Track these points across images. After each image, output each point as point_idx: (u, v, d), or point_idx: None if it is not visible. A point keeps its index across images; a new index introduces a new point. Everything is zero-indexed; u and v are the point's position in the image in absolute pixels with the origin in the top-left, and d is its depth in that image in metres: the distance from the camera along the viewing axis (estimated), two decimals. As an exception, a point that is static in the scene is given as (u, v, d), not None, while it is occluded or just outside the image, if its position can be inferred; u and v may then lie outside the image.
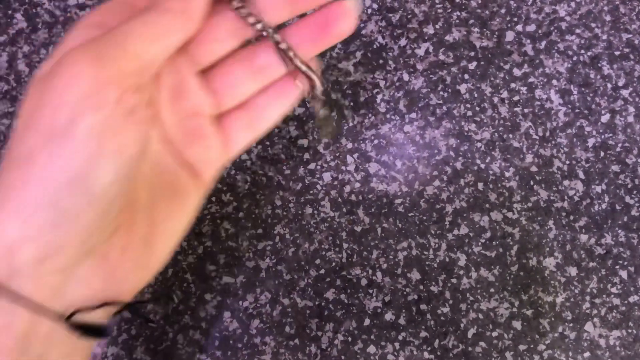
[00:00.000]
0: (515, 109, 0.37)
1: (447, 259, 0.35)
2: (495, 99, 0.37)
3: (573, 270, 0.35)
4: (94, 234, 0.23)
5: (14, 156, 0.21)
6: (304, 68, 0.25)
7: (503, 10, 0.39)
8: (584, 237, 0.35)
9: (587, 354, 0.34)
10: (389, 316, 0.34)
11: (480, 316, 0.34)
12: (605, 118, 0.37)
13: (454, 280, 0.35)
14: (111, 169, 0.21)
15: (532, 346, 0.34)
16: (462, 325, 0.34)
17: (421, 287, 0.35)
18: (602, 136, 0.37)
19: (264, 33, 0.24)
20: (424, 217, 0.36)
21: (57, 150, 0.20)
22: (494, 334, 0.34)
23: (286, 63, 0.25)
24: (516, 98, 0.38)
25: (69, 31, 0.23)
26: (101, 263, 0.24)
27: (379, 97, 0.38)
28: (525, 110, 0.37)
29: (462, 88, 0.38)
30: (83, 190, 0.21)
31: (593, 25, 0.39)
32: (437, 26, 0.39)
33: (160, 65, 0.23)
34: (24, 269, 0.21)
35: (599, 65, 0.38)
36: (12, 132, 0.22)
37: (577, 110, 0.37)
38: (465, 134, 0.37)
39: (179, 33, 0.22)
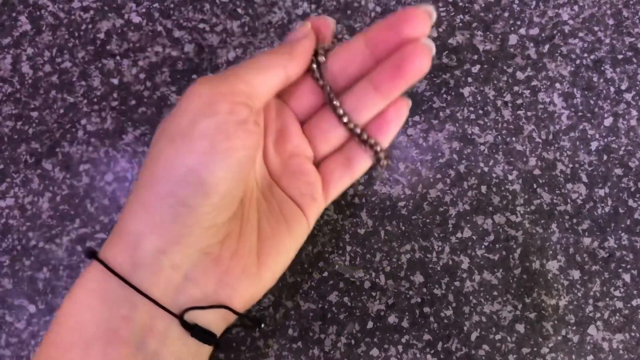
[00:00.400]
0: (519, 112, 0.37)
1: (451, 262, 0.35)
2: (499, 102, 0.38)
3: (576, 274, 0.35)
4: (209, 230, 0.25)
5: (146, 163, 0.25)
6: (376, 146, 0.29)
7: (506, 14, 0.39)
8: (587, 240, 0.35)
9: (590, 357, 0.34)
10: (392, 319, 0.34)
11: (484, 319, 0.34)
12: (608, 121, 0.37)
13: (457, 283, 0.35)
14: (222, 166, 0.24)
15: (535, 349, 0.34)
16: (465, 328, 0.34)
17: (424, 290, 0.35)
18: (605, 139, 0.37)
19: (344, 119, 0.29)
20: (427, 220, 0.36)
21: (178, 148, 0.24)
22: (497, 337, 0.34)
23: (353, 136, 0.29)
24: (519, 101, 0.38)
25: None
26: (214, 264, 0.26)
27: (383, 100, 0.38)
28: (529, 114, 0.37)
29: (466, 91, 0.38)
30: (198, 182, 0.24)
31: (596, 28, 0.39)
32: (441, 29, 0.39)
33: (267, 97, 0.27)
34: (146, 261, 0.24)
35: (602, 68, 0.38)
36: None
37: (580, 114, 0.37)
38: (469, 137, 0.37)
39: (281, 69, 0.26)
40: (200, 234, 0.25)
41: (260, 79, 0.26)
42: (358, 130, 0.29)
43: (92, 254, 0.24)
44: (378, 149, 0.29)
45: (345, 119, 0.29)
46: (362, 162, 0.30)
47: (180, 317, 0.25)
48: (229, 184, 0.24)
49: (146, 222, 0.24)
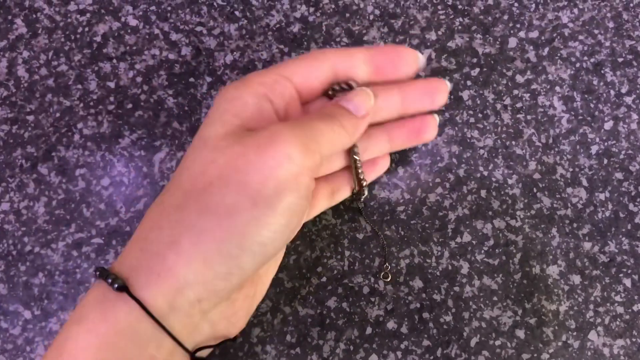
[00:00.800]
0: (518, 115, 0.37)
1: (450, 267, 0.35)
2: (498, 106, 0.37)
3: (576, 279, 0.35)
4: (245, 283, 0.27)
5: (209, 205, 0.24)
6: (363, 182, 0.32)
7: (506, 17, 0.39)
8: (587, 245, 0.35)
9: (591, 363, 0.34)
10: (391, 325, 0.34)
11: (483, 325, 0.34)
12: (608, 125, 0.37)
13: (456, 289, 0.35)
14: (286, 239, 0.25)
15: (535, 355, 0.34)
16: (464, 334, 0.34)
17: (424, 295, 0.35)
18: (606, 143, 0.37)
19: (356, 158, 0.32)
20: (427, 225, 0.36)
21: (259, 217, 0.23)
22: (497, 342, 0.34)
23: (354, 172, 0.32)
24: (519, 105, 0.37)
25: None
26: (229, 308, 0.27)
27: (381, 103, 0.37)
28: (528, 117, 0.37)
29: (465, 95, 0.38)
30: (263, 253, 0.24)
31: (596, 31, 0.39)
32: (440, 32, 0.39)
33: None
34: (183, 307, 0.24)
35: (602, 72, 0.38)
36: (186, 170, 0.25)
37: (580, 117, 0.37)
38: (468, 140, 0.37)
39: (345, 144, 0.27)
40: (237, 287, 0.26)
41: (331, 151, 0.27)
42: (361, 170, 0.32)
43: (124, 289, 0.23)
44: (365, 184, 0.33)
45: (359, 164, 0.32)
46: (344, 194, 0.33)
47: (193, 354, 0.26)
48: (281, 250, 0.26)
49: (201, 275, 0.23)
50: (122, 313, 0.23)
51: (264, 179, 0.23)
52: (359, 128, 0.28)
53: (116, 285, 0.23)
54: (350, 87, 0.29)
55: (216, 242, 0.23)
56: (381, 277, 0.35)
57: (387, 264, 0.35)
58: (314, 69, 0.29)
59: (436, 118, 0.33)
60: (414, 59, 0.30)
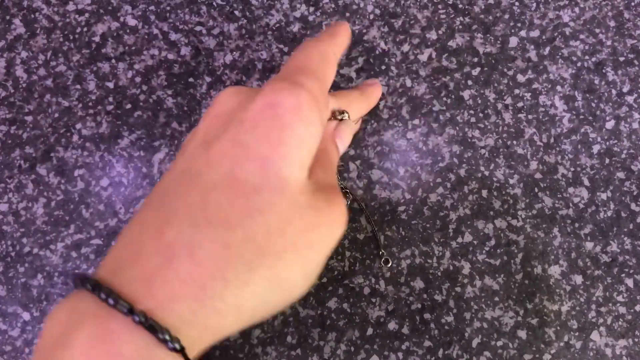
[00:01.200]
0: (519, 115, 0.37)
1: (451, 267, 0.35)
2: (499, 105, 0.37)
3: (578, 279, 0.35)
4: None
5: (277, 273, 0.22)
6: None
7: (507, 16, 0.39)
8: (589, 245, 0.35)
9: (593, 364, 0.33)
10: (392, 325, 0.34)
11: (485, 325, 0.34)
12: (610, 124, 0.37)
13: (458, 289, 0.34)
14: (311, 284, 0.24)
15: (537, 356, 0.33)
16: (466, 334, 0.34)
17: (425, 295, 0.34)
18: (607, 143, 0.37)
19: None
20: (428, 225, 0.35)
21: (290, 265, 0.22)
22: (499, 343, 0.34)
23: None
24: (520, 104, 0.37)
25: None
26: (235, 325, 0.25)
27: (382, 103, 0.37)
28: (530, 117, 0.37)
29: (466, 94, 0.37)
30: (293, 298, 0.23)
31: (597, 31, 0.38)
32: (440, 32, 0.38)
33: None
34: (198, 337, 0.22)
35: (604, 71, 0.38)
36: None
37: (581, 117, 0.37)
38: (469, 140, 0.37)
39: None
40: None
41: None
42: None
43: (181, 351, 0.20)
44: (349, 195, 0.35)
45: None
46: None
47: None
48: None
49: (233, 325, 0.22)
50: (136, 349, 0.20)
51: (323, 258, 0.23)
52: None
53: (172, 345, 0.20)
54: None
55: (269, 312, 0.23)
56: (382, 263, 0.34)
57: (382, 250, 0.34)
58: (360, 108, 0.31)
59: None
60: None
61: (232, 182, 0.22)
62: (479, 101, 0.37)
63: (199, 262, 0.21)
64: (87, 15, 0.39)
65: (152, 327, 0.19)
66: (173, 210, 0.22)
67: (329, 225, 0.23)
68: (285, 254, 0.22)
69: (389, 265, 0.34)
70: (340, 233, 0.23)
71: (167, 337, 0.19)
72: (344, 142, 0.29)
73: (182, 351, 0.20)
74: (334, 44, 0.28)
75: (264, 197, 0.22)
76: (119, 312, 0.19)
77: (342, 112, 0.29)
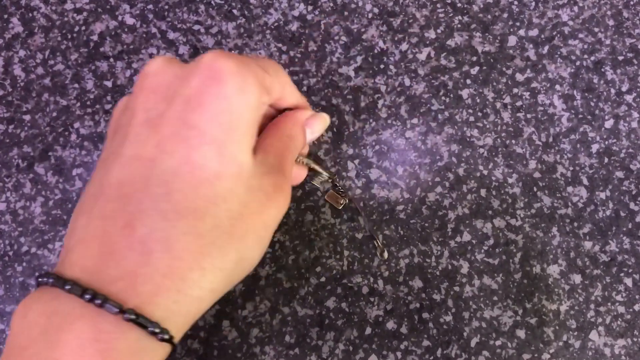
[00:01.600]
0: (518, 114, 0.37)
1: (450, 267, 0.35)
2: (498, 104, 0.37)
3: (577, 278, 0.34)
4: None
5: (239, 251, 0.23)
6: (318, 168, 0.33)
7: (505, 15, 0.39)
8: (588, 244, 0.35)
9: (592, 363, 0.33)
10: (390, 325, 0.34)
11: (484, 325, 0.34)
12: (609, 123, 0.37)
13: (456, 288, 0.34)
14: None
15: (536, 355, 0.33)
16: (465, 334, 0.34)
17: (423, 295, 0.34)
18: (606, 142, 0.37)
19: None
20: (426, 224, 0.35)
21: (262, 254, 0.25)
22: (498, 342, 0.34)
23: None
24: (519, 103, 0.37)
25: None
26: (209, 305, 0.26)
27: (380, 102, 0.37)
28: (528, 116, 0.37)
29: (464, 93, 0.37)
30: (246, 270, 0.25)
31: (596, 30, 0.38)
32: (439, 31, 0.38)
33: None
34: (192, 321, 0.23)
35: (603, 70, 0.38)
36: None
37: (580, 116, 0.37)
38: (468, 139, 0.37)
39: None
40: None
41: None
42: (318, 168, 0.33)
43: (170, 340, 0.21)
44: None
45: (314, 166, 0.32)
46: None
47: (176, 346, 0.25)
48: None
49: (201, 303, 0.23)
50: (123, 342, 0.20)
51: (270, 237, 0.25)
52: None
53: (162, 336, 0.20)
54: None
55: (234, 285, 0.24)
56: (378, 254, 0.35)
57: (376, 241, 0.34)
58: (294, 92, 0.28)
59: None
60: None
61: (192, 169, 0.22)
62: (478, 100, 0.37)
63: (177, 256, 0.21)
64: (85, 14, 0.39)
65: (142, 322, 0.20)
66: (138, 203, 0.21)
67: (276, 207, 0.25)
68: (247, 235, 0.23)
69: (386, 256, 0.34)
70: (283, 213, 0.25)
71: (157, 330, 0.20)
72: (314, 131, 0.29)
73: (170, 340, 0.21)
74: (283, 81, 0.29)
75: (224, 183, 0.23)
76: (106, 312, 0.20)
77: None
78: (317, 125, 0.30)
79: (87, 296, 0.20)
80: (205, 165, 0.22)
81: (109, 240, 0.21)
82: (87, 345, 0.19)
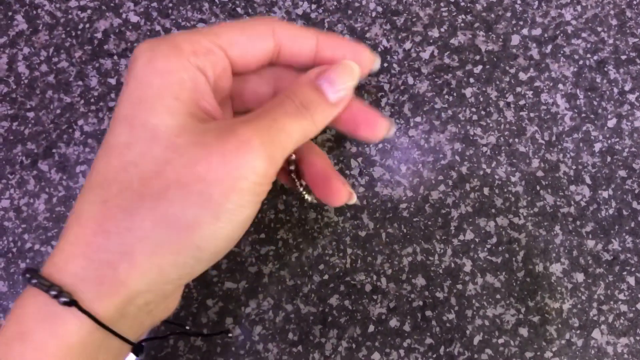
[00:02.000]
0: (521, 113, 0.37)
1: (453, 265, 0.35)
2: (501, 103, 0.37)
3: (580, 277, 0.35)
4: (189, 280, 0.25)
5: (167, 216, 0.22)
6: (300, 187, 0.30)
7: (509, 14, 0.39)
8: (590, 243, 0.35)
9: (594, 362, 0.33)
10: (393, 323, 0.34)
11: (486, 323, 0.34)
12: (611, 123, 0.37)
13: (459, 287, 0.34)
14: (237, 240, 0.24)
15: (538, 353, 0.33)
16: (467, 332, 0.34)
17: (426, 293, 0.34)
18: (609, 141, 0.37)
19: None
20: (429, 222, 0.35)
21: (221, 229, 0.22)
22: (500, 340, 0.34)
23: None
24: (522, 102, 0.37)
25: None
26: (173, 301, 0.26)
27: (384, 100, 0.37)
28: (531, 115, 0.37)
29: (468, 92, 0.37)
30: (217, 257, 0.24)
31: (599, 29, 0.38)
32: (442, 29, 0.38)
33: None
34: (131, 313, 0.23)
35: (605, 69, 0.38)
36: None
37: (583, 115, 0.37)
38: (471, 138, 0.37)
39: (311, 137, 0.25)
40: (183, 285, 0.25)
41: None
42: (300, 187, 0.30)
43: (74, 304, 0.21)
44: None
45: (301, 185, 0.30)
46: None
47: (138, 345, 0.25)
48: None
49: (153, 285, 0.22)
50: (73, 327, 0.21)
51: (227, 192, 0.22)
52: (331, 118, 0.25)
53: (63, 299, 0.21)
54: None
55: (173, 255, 0.22)
56: (303, 188, 0.30)
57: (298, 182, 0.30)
58: (255, 42, 0.25)
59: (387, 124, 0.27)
60: (369, 62, 0.26)
61: (107, 148, 0.23)
62: (481, 99, 0.37)
63: (83, 224, 0.22)
64: (89, 11, 0.39)
65: (40, 284, 0.21)
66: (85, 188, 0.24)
67: (222, 156, 0.22)
68: (168, 191, 0.21)
69: (393, 260, 0.34)
70: (241, 169, 0.22)
71: (55, 292, 0.21)
72: (335, 83, 0.25)
73: (75, 304, 0.21)
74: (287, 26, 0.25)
75: (135, 150, 0.22)
76: (32, 286, 0.22)
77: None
78: (337, 75, 0.25)
79: (27, 274, 0.22)
80: (117, 141, 0.22)
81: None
82: (11, 312, 0.22)
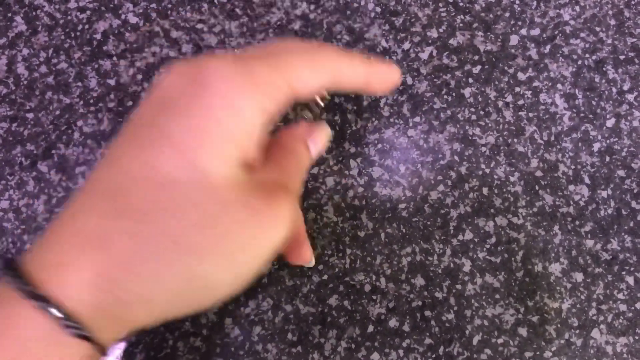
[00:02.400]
0: (520, 113, 0.37)
1: (452, 265, 0.35)
2: (500, 103, 0.37)
3: (579, 276, 0.35)
4: None
5: (195, 273, 0.20)
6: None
7: (507, 14, 0.39)
8: (589, 243, 0.35)
9: (593, 362, 0.33)
10: (392, 323, 0.34)
11: (486, 323, 0.34)
12: (610, 122, 0.37)
13: (458, 287, 0.34)
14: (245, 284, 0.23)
15: (538, 353, 0.33)
16: (467, 332, 0.34)
17: (425, 293, 0.34)
18: (608, 141, 0.37)
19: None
20: (428, 222, 0.35)
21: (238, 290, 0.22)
22: (500, 340, 0.34)
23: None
24: (521, 102, 0.37)
25: None
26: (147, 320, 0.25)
27: (383, 101, 0.37)
28: (530, 115, 0.37)
29: (467, 92, 0.37)
30: (220, 296, 0.22)
31: (598, 29, 0.39)
32: (441, 30, 0.38)
33: None
34: (128, 333, 0.22)
35: (604, 69, 0.38)
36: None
37: (582, 115, 0.37)
38: (470, 138, 0.37)
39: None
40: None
41: None
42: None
43: (86, 338, 0.20)
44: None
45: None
46: None
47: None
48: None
49: (159, 320, 0.22)
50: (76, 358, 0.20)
51: (257, 261, 0.21)
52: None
53: (74, 330, 0.19)
54: (318, 107, 0.29)
55: (188, 308, 0.22)
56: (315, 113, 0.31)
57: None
58: (317, 76, 0.23)
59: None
60: (397, 80, 0.27)
61: (148, 173, 0.20)
62: (480, 99, 0.37)
63: (98, 247, 0.20)
64: (88, 12, 0.39)
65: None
66: (87, 198, 0.21)
67: (267, 229, 0.21)
68: (205, 251, 0.20)
69: (392, 260, 0.34)
70: (281, 237, 0.22)
71: (63, 318, 0.19)
72: (317, 145, 0.26)
73: (88, 339, 0.20)
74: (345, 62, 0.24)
75: (182, 191, 0.20)
76: (23, 297, 0.19)
77: (323, 99, 0.28)
78: (320, 138, 0.26)
79: (8, 278, 0.20)
80: (162, 170, 0.20)
81: (58, 230, 0.21)
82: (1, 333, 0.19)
